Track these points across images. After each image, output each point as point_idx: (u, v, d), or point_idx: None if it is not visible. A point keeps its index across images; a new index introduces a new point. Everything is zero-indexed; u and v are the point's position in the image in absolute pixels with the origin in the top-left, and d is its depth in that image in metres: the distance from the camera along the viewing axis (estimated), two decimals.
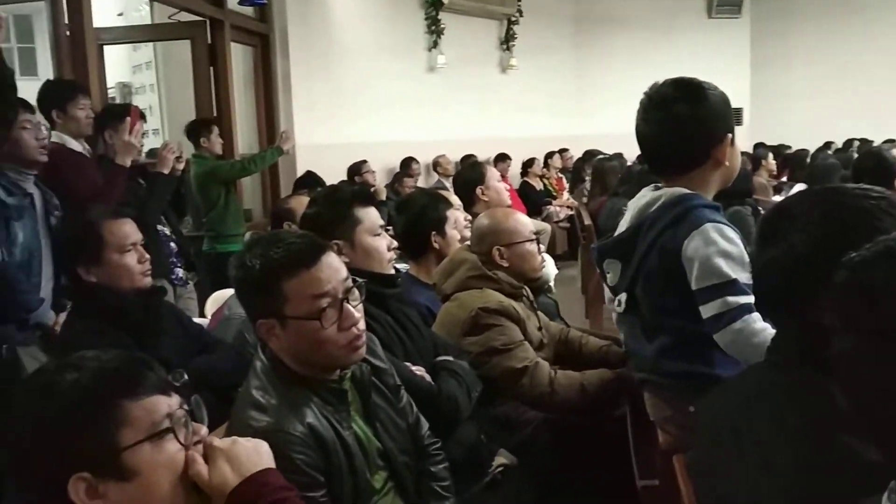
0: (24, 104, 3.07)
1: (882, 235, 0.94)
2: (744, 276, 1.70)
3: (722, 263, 1.71)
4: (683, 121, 1.81)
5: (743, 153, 2.27)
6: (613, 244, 1.99)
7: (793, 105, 11.04)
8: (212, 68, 5.90)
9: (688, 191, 1.84)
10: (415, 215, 2.86)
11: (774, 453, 1.14)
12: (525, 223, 2.63)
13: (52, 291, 2.90)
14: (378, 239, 2.19)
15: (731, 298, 1.69)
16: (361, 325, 1.58)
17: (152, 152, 4.87)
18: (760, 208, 4.16)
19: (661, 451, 1.89)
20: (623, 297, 1.94)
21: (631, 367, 2.17)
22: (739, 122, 9.91)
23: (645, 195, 1.93)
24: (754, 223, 3.63)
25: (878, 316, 0.86)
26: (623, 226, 1.98)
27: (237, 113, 6.21)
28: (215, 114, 5.89)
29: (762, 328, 1.65)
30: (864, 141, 9.32)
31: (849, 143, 9.73)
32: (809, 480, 1.09)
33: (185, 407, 1.18)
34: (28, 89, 3.29)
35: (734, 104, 1.91)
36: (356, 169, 7.20)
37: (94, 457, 1.07)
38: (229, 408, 1.66)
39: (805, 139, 9.25)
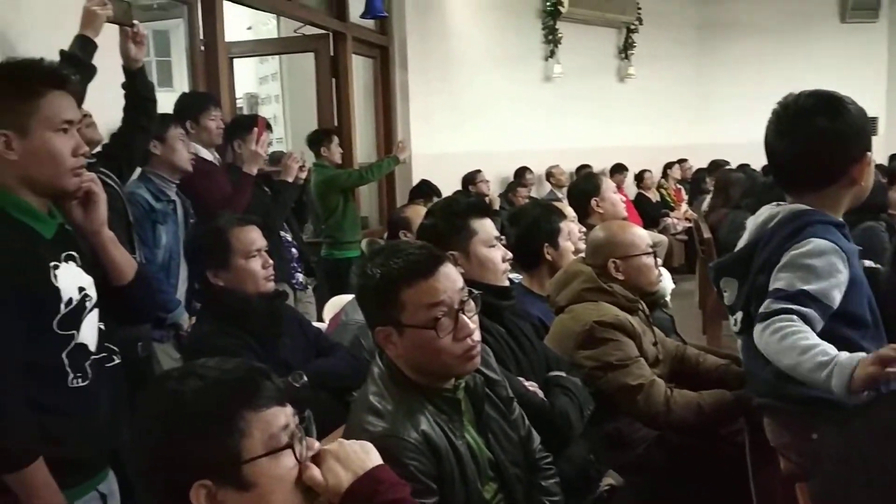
0: (174, 118, 3.30)
1: None
2: (820, 286, 1.64)
3: (794, 276, 1.66)
4: (822, 136, 1.74)
5: (878, 165, 2.16)
6: (730, 262, 1.94)
7: None
8: (333, 79, 6.08)
9: (807, 206, 1.77)
10: (527, 227, 2.86)
11: None
12: (642, 236, 2.59)
13: (185, 293, 3.08)
14: (493, 250, 2.20)
15: (775, 304, 1.64)
16: (476, 336, 1.59)
17: (273, 157, 5.06)
18: None
19: (782, 477, 1.81)
20: (739, 315, 1.88)
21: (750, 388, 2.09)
22: (875, 133, 9.38)
23: (764, 212, 1.87)
24: (888, 240, 3.44)
25: None
26: (741, 243, 1.92)
27: (357, 123, 6.37)
28: (336, 124, 6.06)
29: (789, 329, 1.59)
30: None
31: None
32: None
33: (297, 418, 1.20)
34: (165, 101, 3.50)
35: (869, 113, 1.81)
36: (470, 178, 7.26)
37: (215, 465, 1.10)
38: (345, 409, 1.71)
39: None
